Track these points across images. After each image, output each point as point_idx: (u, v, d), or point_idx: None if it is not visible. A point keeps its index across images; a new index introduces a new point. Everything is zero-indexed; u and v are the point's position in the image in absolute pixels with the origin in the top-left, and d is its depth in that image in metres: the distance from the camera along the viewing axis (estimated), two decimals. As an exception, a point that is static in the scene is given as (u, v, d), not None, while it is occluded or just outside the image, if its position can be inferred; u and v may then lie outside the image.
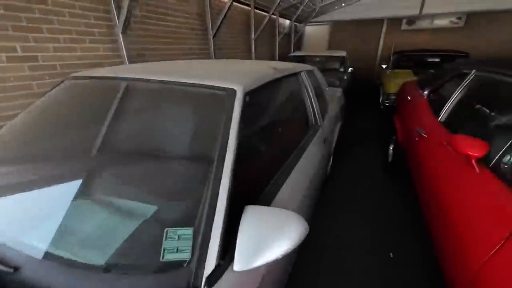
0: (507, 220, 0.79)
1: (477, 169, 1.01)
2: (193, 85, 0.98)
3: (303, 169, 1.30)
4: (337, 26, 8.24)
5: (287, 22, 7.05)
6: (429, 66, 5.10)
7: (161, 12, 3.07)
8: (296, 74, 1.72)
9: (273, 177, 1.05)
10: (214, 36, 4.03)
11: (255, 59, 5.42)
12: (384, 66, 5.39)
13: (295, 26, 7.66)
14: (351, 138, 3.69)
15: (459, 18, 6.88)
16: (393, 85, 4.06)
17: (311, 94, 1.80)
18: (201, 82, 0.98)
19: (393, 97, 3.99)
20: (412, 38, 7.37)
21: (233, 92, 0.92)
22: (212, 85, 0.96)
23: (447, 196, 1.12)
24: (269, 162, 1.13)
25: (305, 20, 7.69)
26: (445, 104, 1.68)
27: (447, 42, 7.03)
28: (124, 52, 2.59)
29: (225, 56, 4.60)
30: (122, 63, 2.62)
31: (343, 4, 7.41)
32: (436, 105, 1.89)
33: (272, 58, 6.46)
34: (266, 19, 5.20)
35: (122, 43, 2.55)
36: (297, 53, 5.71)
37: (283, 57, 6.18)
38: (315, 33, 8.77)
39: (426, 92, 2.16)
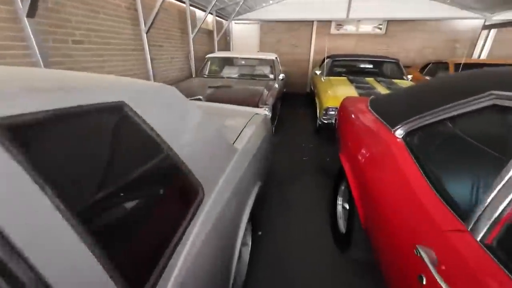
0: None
1: None
2: None
3: None
4: (267, 26, 7.42)
5: (210, 17, 5.78)
6: (363, 73, 4.62)
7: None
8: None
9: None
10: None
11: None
12: (317, 72, 4.68)
13: (218, 22, 6.45)
14: (278, 176, 2.64)
15: (380, 26, 6.94)
16: (331, 98, 3.24)
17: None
18: None
19: (332, 112, 3.16)
20: (341, 42, 7.12)
21: None
22: None
23: None
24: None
25: (229, 16, 6.56)
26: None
27: (370, 48, 7.03)
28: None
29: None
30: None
31: (270, 1, 6.59)
32: (435, 167, 0.90)
33: (186, 58, 5.06)
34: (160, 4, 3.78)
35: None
36: (219, 54, 4.48)
37: (201, 58, 4.89)
38: (245, 33, 7.76)
39: (400, 131, 1.18)
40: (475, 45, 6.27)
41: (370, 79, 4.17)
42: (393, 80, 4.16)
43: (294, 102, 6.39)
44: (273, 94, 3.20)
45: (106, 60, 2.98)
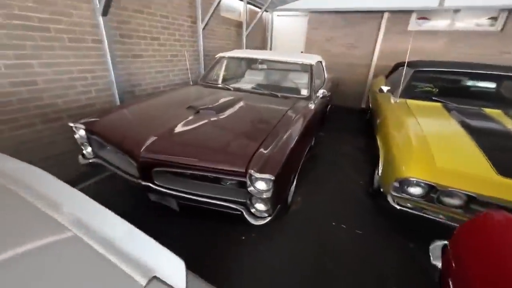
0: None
1: None
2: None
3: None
4: (317, 19, 5.71)
5: (241, 5, 4.46)
6: (471, 96, 2.63)
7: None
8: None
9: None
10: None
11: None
12: (384, 88, 2.86)
13: (251, 12, 5.05)
14: None
15: (494, 19, 4.55)
16: (419, 159, 1.52)
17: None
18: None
19: (416, 190, 1.45)
20: (423, 43, 4.96)
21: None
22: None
23: None
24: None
25: (268, 5, 5.07)
26: None
27: (472, 53, 4.68)
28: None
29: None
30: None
31: (324, -15, 4.89)
32: None
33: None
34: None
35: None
36: (231, 54, 3.05)
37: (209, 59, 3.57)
38: (289, 27, 6.20)
39: None
40: None
41: (494, 112, 2.21)
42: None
43: (341, 122, 4.59)
44: (293, 139, 1.63)
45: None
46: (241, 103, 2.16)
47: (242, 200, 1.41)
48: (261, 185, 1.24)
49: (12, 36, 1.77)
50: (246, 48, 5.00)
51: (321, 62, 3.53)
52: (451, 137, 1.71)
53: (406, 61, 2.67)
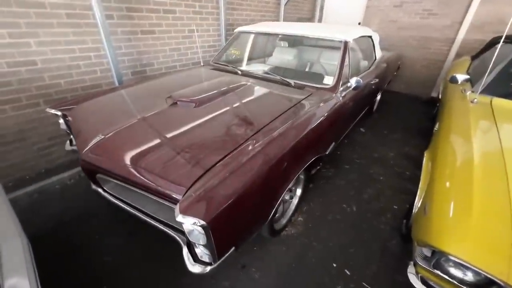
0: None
1: None
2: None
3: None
4: (384, -21, 4.42)
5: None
6: None
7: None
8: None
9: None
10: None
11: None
12: (460, 78, 1.91)
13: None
14: None
15: None
16: (480, 236, 0.84)
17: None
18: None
19: (462, 274, 0.83)
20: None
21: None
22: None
23: None
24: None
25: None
26: None
27: None
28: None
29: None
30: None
31: None
32: None
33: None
34: None
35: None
36: (248, 28, 2.50)
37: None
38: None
39: None
40: None
41: None
42: None
43: (395, 116, 3.60)
44: (273, 158, 1.12)
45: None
46: (234, 94, 1.71)
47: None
48: (190, 227, 0.86)
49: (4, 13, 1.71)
50: (285, 20, 4.27)
51: (370, 37, 2.67)
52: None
53: (505, 34, 1.67)
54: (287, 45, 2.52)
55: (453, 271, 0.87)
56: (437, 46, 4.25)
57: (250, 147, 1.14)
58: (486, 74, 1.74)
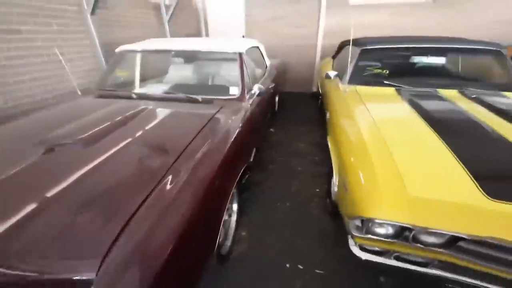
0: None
1: None
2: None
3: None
4: (255, -3, 5.05)
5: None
6: (424, 75, 2.34)
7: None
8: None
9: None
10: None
11: None
12: (331, 74, 2.42)
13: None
14: None
15: (428, -11, 4.46)
16: (388, 192, 1.05)
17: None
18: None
19: (386, 231, 1.00)
20: (366, 18, 4.70)
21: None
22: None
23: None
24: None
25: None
26: None
27: (414, 26, 4.59)
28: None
29: None
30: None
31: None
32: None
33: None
34: None
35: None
36: (131, 47, 2.23)
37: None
38: (227, 10, 5.43)
39: None
40: None
41: (451, 94, 1.92)
42: (502, 93, 1.89)
43: (292, 112, 4.15)
44: (190, 205, 0.97)
45: None
46: (135, 122, 1.47)
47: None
48: None
49: None
50: (172, 37, 4.15)
51: (258, 47, 2.95)
52: (417, 142, 1.31)
53: (351, 38, 2.24)
54: (183, 61, 2.41)
55: (379, 230, 1.04)
56: (309, 51, 5.24)
57: (175, 178, 0.98)
58: (348, 70, 2.26)
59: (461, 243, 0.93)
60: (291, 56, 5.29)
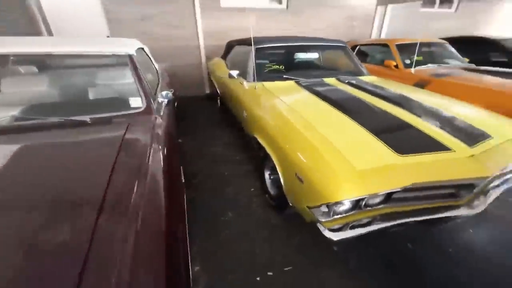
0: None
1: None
2: None
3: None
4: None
5: None
6: (309, 68, 2.80)
7: None
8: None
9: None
10: None
11: None
12: (234, 74, 2.42)
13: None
14: None
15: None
16: (343, 172, 1.15)
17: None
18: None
19: (348, 208, 1.10)
20: (238, 20, 5.05)
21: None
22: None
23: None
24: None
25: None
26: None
27: (277, 28, 5.42)
28: None
29: None
30: None
31: None
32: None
33: None
34: None
35: None
36: None
37: None
38: (75, 4, 4.21)
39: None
40: (373, 23, 5.89)
41: (330, 80, 2.39)
42: (358, 77, 2.57)
43: (193, 118, 3.89)
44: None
45: None
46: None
47: None
48: None
49: None
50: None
51: (143, 48, 2.50)
52: (334, 121, 1.54)
53: (252, 38, 2.32)
54: (37, 70, 1.62)
55: (342, 208, 1.14)
56: (193, 52, 5.04)
57: (111, 238, 0.63)
58: (252, 68, 2.34)
59: (394, 196, 1.17)
60: (175, 59, 4.91)
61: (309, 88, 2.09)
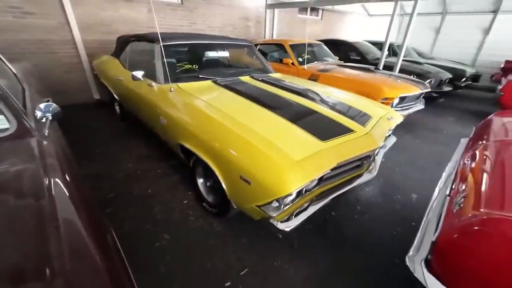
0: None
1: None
2: None
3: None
4: None
5: None
6: (221, 66, 2.75)
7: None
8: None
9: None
10: None
11: None
12: (139, 75, 2.05)
13: None
14: None
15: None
16: (285, 164, 1.19)
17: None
18: None
19: (298, 202, 1.20)
20: (126, 12, 4.34)
21: None
22: None
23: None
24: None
25: None
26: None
27: (174, 24, 5.05)
28: None
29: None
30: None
31: None
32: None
33: None
34: None
35: None
36: None
37: None
38: None
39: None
40: (265, 24, 6.49)
41: (245, 78, 2.46)
42: (268, 75, 2.77)
43: (87, 132, 3.10)
44: None
45: None
46: None
47: None
48: None
49: None
50: None
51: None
52: (261, 116, 1.59)
53: (159, 33, 2.01)
54: None
55: (289, 199, 1.21)
56: (64, 49, 3.92)
57: None
58: (158, 68, 2.08)
59: (324, 176, 1.36)
60: (39, 57, 3.71)
61: (228, 87, 2.07)
